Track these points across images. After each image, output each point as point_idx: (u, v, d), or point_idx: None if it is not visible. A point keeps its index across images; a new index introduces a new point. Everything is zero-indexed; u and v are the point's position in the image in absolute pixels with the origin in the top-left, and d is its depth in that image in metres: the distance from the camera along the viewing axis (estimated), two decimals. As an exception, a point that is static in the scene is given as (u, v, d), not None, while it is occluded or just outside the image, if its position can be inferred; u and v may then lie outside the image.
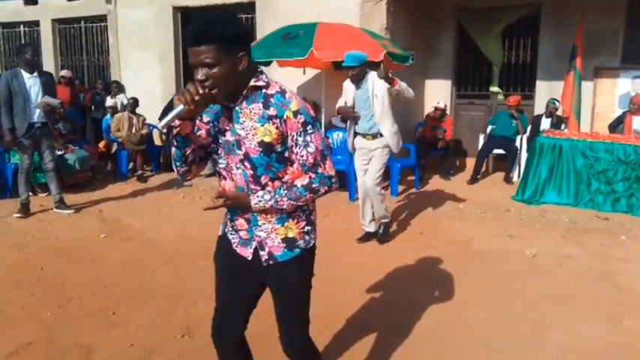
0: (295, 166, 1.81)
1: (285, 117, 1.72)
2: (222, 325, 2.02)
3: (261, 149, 1.75)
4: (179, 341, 3.00)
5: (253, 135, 1.74)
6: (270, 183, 1.80)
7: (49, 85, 5.51)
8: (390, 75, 4.25)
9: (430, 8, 8.32)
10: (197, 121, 1.84)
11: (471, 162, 8.16)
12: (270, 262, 1.86)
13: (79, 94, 8.52)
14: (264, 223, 1.85)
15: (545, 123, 7.32)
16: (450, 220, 5.43)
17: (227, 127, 1.80)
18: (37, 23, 9.84)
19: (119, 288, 3.72)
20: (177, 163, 1.83)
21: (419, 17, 8.19)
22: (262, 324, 2.27)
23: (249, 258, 1.89)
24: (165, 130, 1.73)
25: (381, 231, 4.74)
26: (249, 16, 8.05)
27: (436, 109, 7.67)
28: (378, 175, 4.51)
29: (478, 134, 8.12)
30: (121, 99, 8.41)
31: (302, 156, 1.77)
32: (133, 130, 7.56)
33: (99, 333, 3.08)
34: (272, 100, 1.74)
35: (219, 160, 1.86)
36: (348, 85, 4.64)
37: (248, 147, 1.76)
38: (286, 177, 1.81)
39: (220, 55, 1.63)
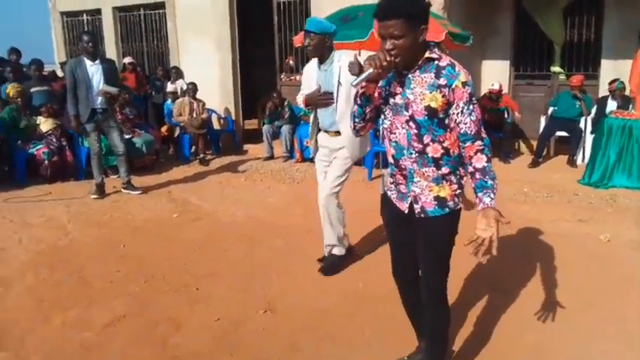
0: (452, 132, 1.99)
1: (453, 86, 1.93)
2: (397, 267, 2.37)
3: (426, 113, 1.97)
4: (261, 316, 3.12)
5: (421, 100, 1.97)
6: (430, 143, 2.01)
7: (110, 72, 5.66)
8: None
9: (489, -14, 8.09)
10: None
11: (530, 145, 7.97)
12: (422, 216, 2.11)
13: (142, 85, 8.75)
14: (419, 180, 2.09)
15: (612, 105, 7.00)
16: (516, 204, 5.33)
17: (397, 92, 2.03)
18: (98, 11, 10.15)
19: (196, 265, 3.89)
20: (357, 119, 2.14)
21: (477, -4, 7.99)
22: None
23: (406, 211, 2.14)
24: (357, 89, 2.03)
25: (326, 263, 3.73)
26: (305, -1, 8.06)
27: (491, 92, 7.52)
28: (336, 182, 3.57)
29: (538, 116, 7.88)
30: (180, 84, 8.62)
31: (466, 123, 1.95)
32: (194, 115, 7.78)
33: (184, 307, 3.24)
34: (443, 71, 1.95)
35: (384, 121, 2.12)
36: (309, 71, 3.65)
37: (415, 109, 1.99)
38: (446, 142, 2.02)
39: (405, 29, 1.88)
